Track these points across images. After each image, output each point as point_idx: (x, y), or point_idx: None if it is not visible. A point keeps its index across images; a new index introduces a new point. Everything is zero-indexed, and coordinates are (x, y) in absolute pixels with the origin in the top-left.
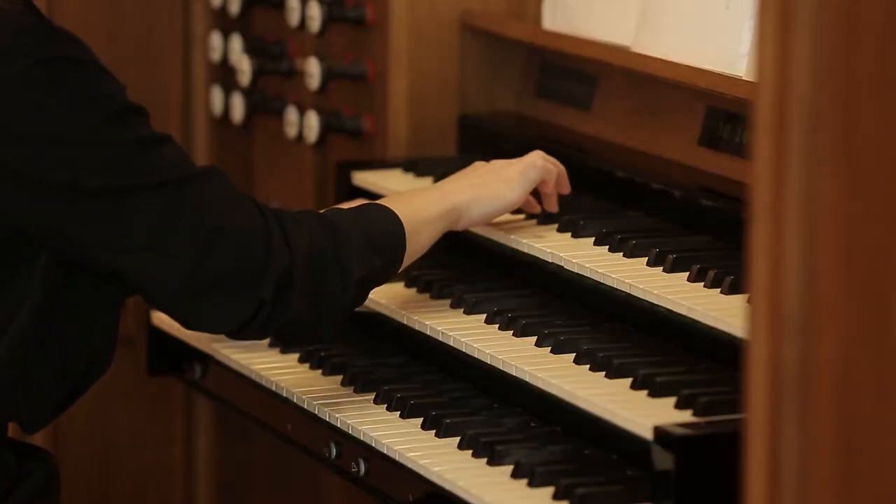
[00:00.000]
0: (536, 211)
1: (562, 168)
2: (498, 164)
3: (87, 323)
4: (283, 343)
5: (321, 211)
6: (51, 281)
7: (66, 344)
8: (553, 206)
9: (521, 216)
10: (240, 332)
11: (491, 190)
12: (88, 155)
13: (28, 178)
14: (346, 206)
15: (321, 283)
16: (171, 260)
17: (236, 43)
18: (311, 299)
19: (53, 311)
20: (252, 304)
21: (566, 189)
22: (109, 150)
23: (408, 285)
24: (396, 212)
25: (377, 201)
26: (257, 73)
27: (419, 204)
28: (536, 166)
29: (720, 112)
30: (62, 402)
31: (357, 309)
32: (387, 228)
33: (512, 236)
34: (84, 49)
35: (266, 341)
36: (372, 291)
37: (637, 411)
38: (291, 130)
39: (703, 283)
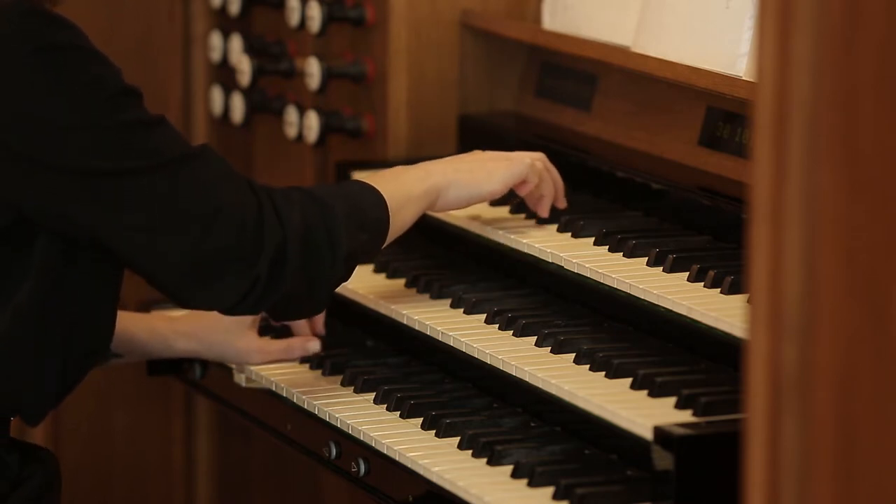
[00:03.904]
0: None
1: (558, 179)
2: (489, 155)
3: (85, 302)
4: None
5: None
6: (49, 261)
7: (64, 324)
8: (541, 211)
9: (522, 216)
10: (234, 308)
11: (471, 176)
12: (86, 138)
13: (27, 162)
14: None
15: (313, 257)
16: (171, 240)
17: (236, 43)
18: (304, 274)
19: (51, 292)
20: (248, 281)
21: (561, 203)
22: (106, 133)
23: (408, 285)
24: (380, 189)
25: (361, 179)
26: (257, 73)
27: (402, 182)
28: (524, 163)
29: (720, 112)
30: (61, 388)
31: (358, 309)
32: (371, 205)
33: (512, 236)
34: (80, 35)
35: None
36: (372, 291)
37: (637, 411)
38: (291, 130)
39: (703, 283)
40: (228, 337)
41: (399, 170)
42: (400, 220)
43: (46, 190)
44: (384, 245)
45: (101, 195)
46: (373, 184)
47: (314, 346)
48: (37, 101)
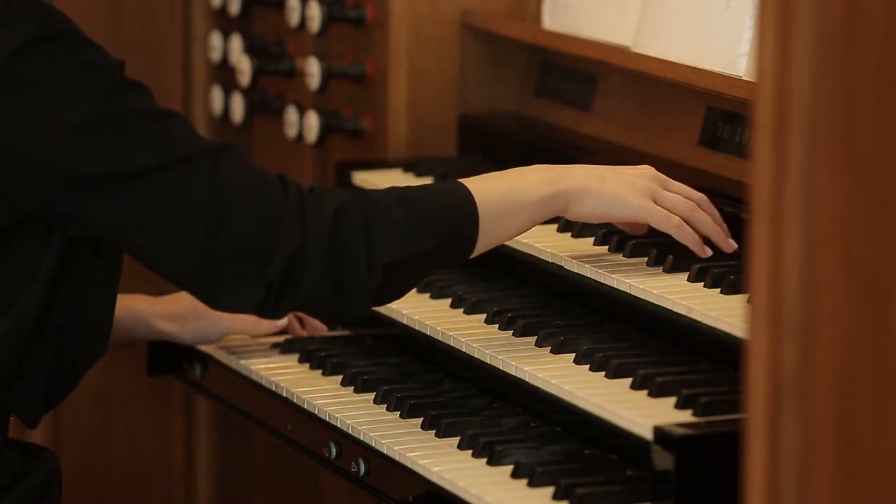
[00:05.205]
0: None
1: (713, 221)
2: (640, 173)
3: (81, 309)
4: (284, 343)
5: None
6: (57, 261)
7: (62, 322)
8: (699, 252)
9: None
10: (259, 311)
11: (615, 190)
12: (94, 138)
13: (30, 164)
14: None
15: (342, 261)
16: (185, 240)
17: (236, 43)
18: (329, 279)
19: (55, 291)
20: (262, 286)
21: (727, 246)
22: (115, 129)
23: None
24: (483, 192)
25: (464, 179)
26: (257, 73)
27: (518, 185)
28: (662, 215)
29: (720, 112)
30: (58, 389)
31: None
32: (449, 210)
33: None
34: (76, 27)
35: (267, 341)
36: None
37: (637, 411)
38: (291, 130)
39: (703, 283)
40: (203, 322)
41: (520, 171)
42: (505, 228)
43: (56, 195)
44: (472, 255)
45: (113, 196)
46: (481, 184)
47: (282, 321)
48: (36, 100)
